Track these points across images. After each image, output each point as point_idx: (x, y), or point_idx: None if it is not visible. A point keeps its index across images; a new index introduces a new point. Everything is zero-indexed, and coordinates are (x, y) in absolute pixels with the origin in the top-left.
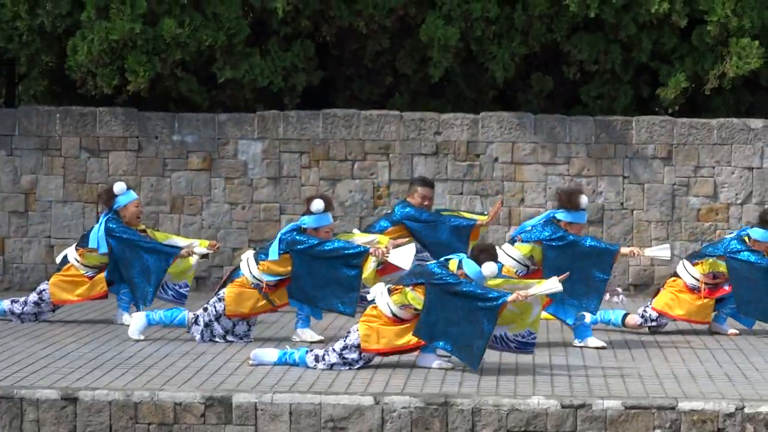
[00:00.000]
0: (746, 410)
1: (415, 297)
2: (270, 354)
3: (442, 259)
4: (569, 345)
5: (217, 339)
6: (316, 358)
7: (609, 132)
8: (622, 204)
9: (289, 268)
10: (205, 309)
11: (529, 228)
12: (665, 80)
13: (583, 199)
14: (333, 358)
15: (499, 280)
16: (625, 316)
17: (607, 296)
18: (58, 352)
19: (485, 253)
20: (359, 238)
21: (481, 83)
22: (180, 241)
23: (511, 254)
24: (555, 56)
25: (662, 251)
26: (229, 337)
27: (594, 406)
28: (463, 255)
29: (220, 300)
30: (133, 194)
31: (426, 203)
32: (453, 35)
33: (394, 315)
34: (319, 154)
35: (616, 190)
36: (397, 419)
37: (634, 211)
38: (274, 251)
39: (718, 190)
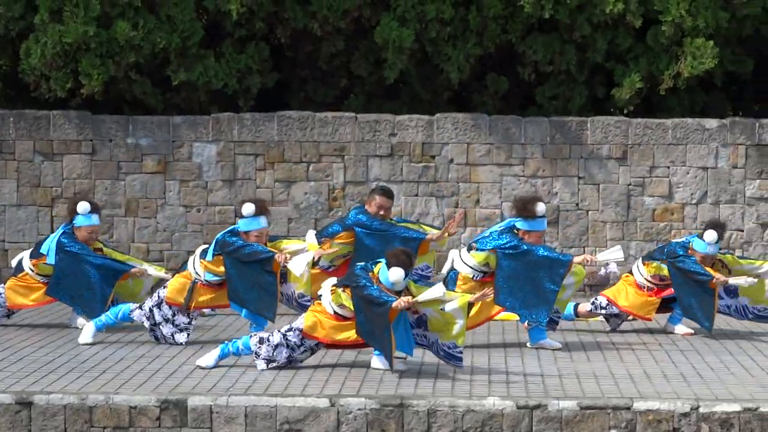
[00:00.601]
0: (701, 410)
1: (347, 298)
2: (213, 353)
3: (369, 263)
4: (524, 346)
5: (160, 332)
6: (261, 340)
7: (564, 132)
8: (577, 204)
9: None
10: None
11: (487, 234)
12: (620, 80)
13: (540, 207)
14: (276, 338)
15: (416, 286)
16: (576, 306)
17: (602, 271)
18: (13, 356)
19: (394, 259)
20: (290, 245)
21: (436, 84)
22: (137, 264)
23: (466, 261)
24: (510, 57)
25: (614, 253)
26: (170, 329)
27: (549, 406)
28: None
29: (164, 288)
30: (93, 219)
31: (382, 212)
32: (408, 37)
33: (335, 312)
34: (274, 156)
35: (571, 190)
36: (352, 421)
37: (590, 212)
38: (210, 252)
39: (673, 190)
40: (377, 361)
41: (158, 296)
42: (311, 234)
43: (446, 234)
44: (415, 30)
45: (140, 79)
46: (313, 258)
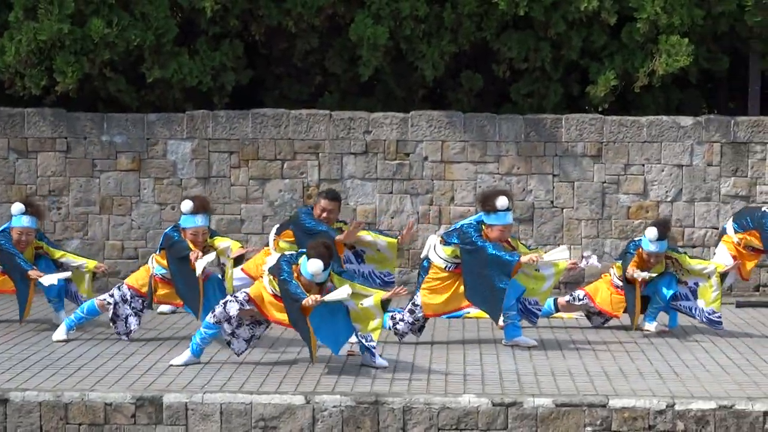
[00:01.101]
0: (677, 407)
1: (276, 286)
2: (186, 351)
3: (295, 254)
4: (499, 344)
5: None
6: (212, 314)
7: (539, 130)
8: (552, 202)
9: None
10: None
11: (457, 228)
12: (595, 78)
13: (501, 201)
14: (218, 309)
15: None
16: (555, 299)
17: (583, 263)
18: None
19: (313, 251)
20: (221, 242)
21: (410, 82)
22: (73, 260)
23: (439, 254)
24: (484, 54)
25: (561, 254)
26: (127, 311)
27: (525, 404)
28: None
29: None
30: (22, 221)
31: (325, 215)
32: (382, 34)
33: (273, 293)
34: (248, 153)
35: (546, 188)
36: (328, 418)
37: (564, 210)
38: (159, 246)
39: (648, 187)
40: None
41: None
42: (273, 231)
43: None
44: (389, 27)
45: (115, 76)
46: (215, 259)
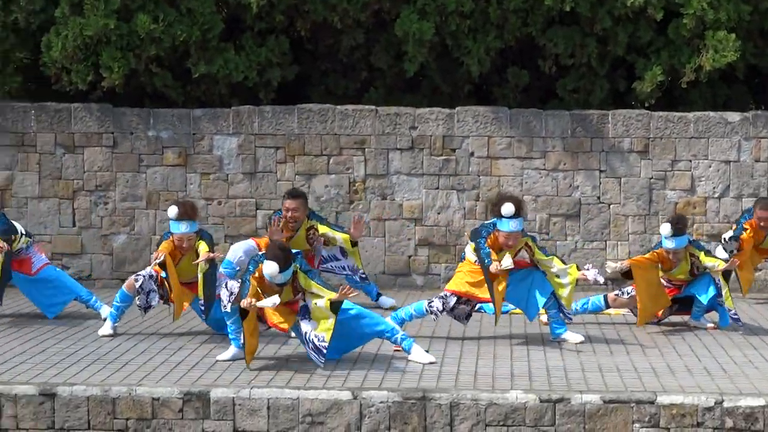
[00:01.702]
0: (725, 404)
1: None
2: (230, 348)
3: (262, 254)
4: (547, 339)
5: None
6: (223, 304)
7: (585, 126)
8: (598, 198)
9: None
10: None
11: (478, 227)
12: (641, 73)
13: (506, 208)
14: (223, 293)
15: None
16: (605, 295)
17: (609, 269)
18: (36, 348)
19: (269, 253)
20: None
21: (456, 78)
22: None
23: (467, 249)
24: (530, 50)
25: (506, 261)
26: (151, 285)
27: (573, 400)
28: None
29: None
30: (180, 227)
31: (290, 215)
32: (428, 30)
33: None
34: (294, 149)
35: (593, 184)
36: (375, 414)
37: (611, 205)
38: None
39: (695, 183)
40: (417, 354)
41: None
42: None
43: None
44: (435, 23)
45: (161, 71)
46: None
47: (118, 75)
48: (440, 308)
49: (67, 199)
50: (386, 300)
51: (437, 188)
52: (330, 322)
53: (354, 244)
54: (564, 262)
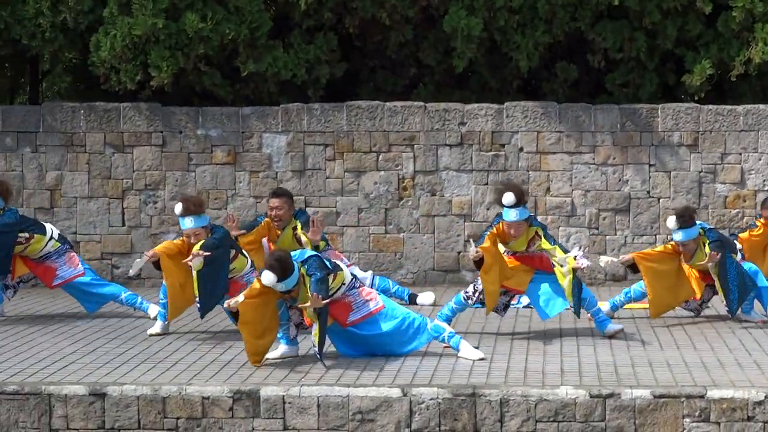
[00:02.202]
0: None
1: None
2: (279, 346)
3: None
4: (596, 335)
5: None
6: None
7: (634, 120)
8: (648, 192)
9: None
10: None
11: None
12: (690, 67)
13: (507, 197)
14: None
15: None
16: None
17: (602, 262)
18: (86, 347)
19: (267, 262)
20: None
21: (505, 73)
22: None
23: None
24: (579, 44)
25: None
26: None
27: (623, 395)
28: None
29: None
30: (185, 223)
31: (273, 213)
32: (476, 25)
33: None
34: (343, 146)
35: (643, 178)
36: (425, 411)
37: (661, 200)
38: None
39: (745, 176)
40: (466, 350)
41: None
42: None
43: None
44: (483, 18)
45: (209, 70)
46: (147, 260)
47: (167, 74)
48: (472, 291)
49: (117, 198)
50: (426, 297)
51: (486, 184)
52: (315, 328)
53: (316, 247)
54: (566, 251)
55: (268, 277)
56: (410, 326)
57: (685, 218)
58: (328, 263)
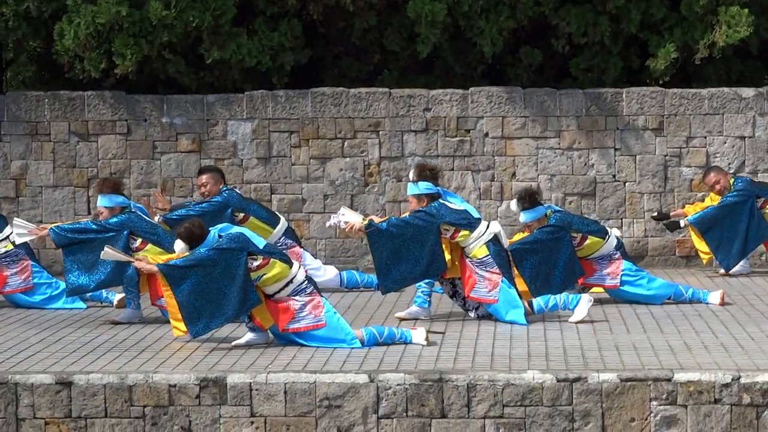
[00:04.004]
0: (743, 380)
1: None
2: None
3: None
4: (564, 319)
5: None
6: None
7: (599, 104)
8: (614, 176)
9: None
10: None
11: None
12: (655, 51)
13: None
14: None
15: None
16: None
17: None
18: (52, 336)
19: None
20: None
21: (469, 58)
22: None
23: None
24: (543, 29)
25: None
26: None
27: (590, 379)
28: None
29: None
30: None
31: (202, 190)
32: (440, 11)
33: None
34: (308, 132)
35: (608, 162)
36: (392, 396)
37: (627, 183)
38: None
39: (710, 160)
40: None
41: None
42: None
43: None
44: (447, 4)
45: (173, 58)
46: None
47: (131, 62)
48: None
49: (82, 187)
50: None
51: (452, 169)
52: None
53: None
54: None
55: (179, 246)
56: (343, 342)
57: (526, 201)
58: (262, 247)
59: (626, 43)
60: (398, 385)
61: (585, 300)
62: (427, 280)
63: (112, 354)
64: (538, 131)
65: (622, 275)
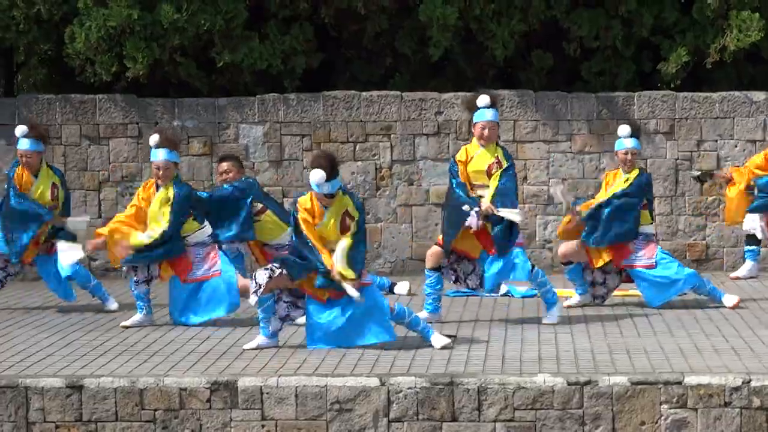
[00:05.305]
0: (753, 383)
1: None
2: (257, 336)
3: None
4: (575, 323)
5: None
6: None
7: (611, 108)
8: None
9: None
10: None
11: None
12: (666, 55)
13: (482, 98)
14: (251, 282)
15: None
16: None
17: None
18: (62, 340)
19: (313, 161)
20: None
21: (481, 62)
22: None
23: None
24: (555, 33)
25: (512, 214)
26: None
27: (600, 382)
28: None
29: None
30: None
31: (222, 177)
32: (452, 14)
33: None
34: (320, 136)
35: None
36: (403, 400)
37: None
38: None
39: (721, 163)
40: (437, 339)
41: None
42: None
43: None
44: (459, 7)
45: (185, 61)
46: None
47: (143, 65)
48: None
49: (93, 190)
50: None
51: None
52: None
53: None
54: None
55: (317, 174)
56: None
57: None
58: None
59: (638, 46)
60: (409, 388)
61: (559, 306)
62: (436, 285)
63: (123, 357)
64: (550, 135)
65: (656, 257)
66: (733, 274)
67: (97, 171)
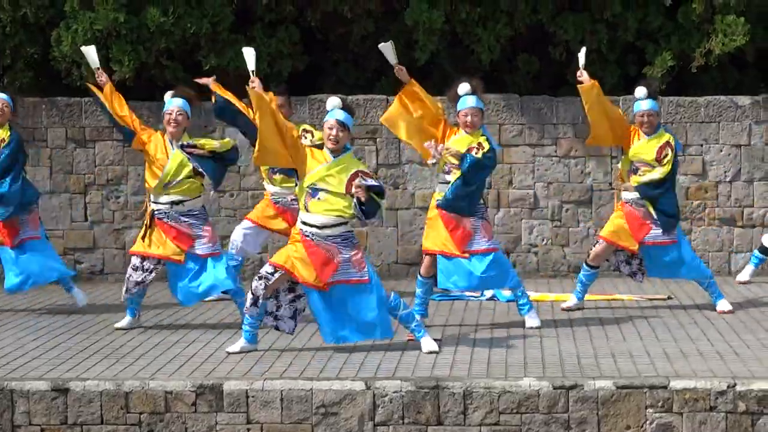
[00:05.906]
0: (738, 388)
1: None
2: (239, 340)
3: None
4: (559, 327)
5: None
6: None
7: None
8: (610, 184)
9: None
10: None
11: None
12: (652, 59)
13: (462, 86)
14: (248, 295)
15: None
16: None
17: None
18: (49, 343)
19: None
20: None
21: (467, 66)
22: None
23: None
24: (541, 37)
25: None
26: None
27: (585, 386)
28: None
29: None
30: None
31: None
32: (438, 18)
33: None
34: None
35: (605, 170)
36: (388, 403)
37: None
38: None
39: (706, 167)
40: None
41: None
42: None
43: None
44: (445, 11)
45: (171, 64)
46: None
47: (129, 68)
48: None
49: (79, 193)
50: None
51: None
52: None
53: None
54: None
55: (334, 100)
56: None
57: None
58: None
59: (623, 51)
60: (395, 392)
61: (535, 312)
62: (423, 289)
63: (109, 360)
64: (535, 139)
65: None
66: (739, 280)
67: (83, 174)
